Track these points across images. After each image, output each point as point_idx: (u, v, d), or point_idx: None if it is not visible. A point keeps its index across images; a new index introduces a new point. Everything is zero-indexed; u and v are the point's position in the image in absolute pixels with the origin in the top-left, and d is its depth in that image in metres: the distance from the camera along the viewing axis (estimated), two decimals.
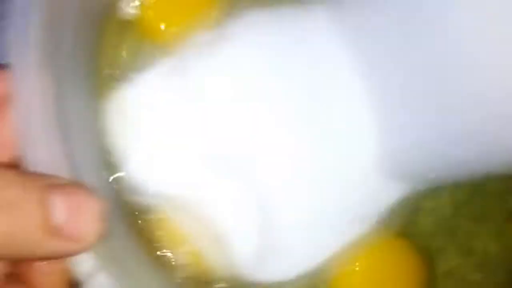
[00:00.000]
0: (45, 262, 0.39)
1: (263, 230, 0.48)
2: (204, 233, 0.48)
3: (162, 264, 0.49)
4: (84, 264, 0.37)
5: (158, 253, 0.49)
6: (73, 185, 0.37)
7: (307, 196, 0.48)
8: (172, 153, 0.48)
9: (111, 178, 0.48)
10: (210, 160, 0.48)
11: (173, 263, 0.49)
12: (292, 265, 0.48)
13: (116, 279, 0.38)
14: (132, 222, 0.49)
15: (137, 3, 0.50)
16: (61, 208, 0.35)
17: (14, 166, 0.38)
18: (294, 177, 0.48)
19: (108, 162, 0.49)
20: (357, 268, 0.49)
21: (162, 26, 0.50)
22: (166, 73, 0.49)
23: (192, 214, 0.48)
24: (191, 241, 0.49)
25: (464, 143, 0.41)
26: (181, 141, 0.48)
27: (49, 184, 0.35)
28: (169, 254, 0.49)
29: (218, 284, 0.49)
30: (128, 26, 0.51)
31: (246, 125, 0.47)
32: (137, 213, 0.49)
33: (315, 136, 0.47)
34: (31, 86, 0.38)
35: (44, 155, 0.38)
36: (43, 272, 0.39)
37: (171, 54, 0.49)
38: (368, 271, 0.49)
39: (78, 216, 0.35)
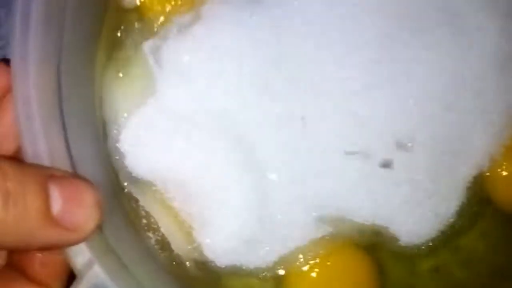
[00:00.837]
0: (43, 253, 0.40)
1: (256, 214, 0.49)
2: (198, 213, 0.49)
3: (156, 251, 0.50)
4: (80, 256, 0.38)
5: (151, 235, 0.50)
6: (71, 177, 0.38)
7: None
8: (170, 129, 0.49)
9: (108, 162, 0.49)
10: (211, 137, 0.49)
11: (164, 246, 0.50)
12: (272, 251, 0.50)
13: (111, 269, 0.39)
14: (127, 210, 0.49)
15: None
16: (59, 198, 0.36)
17: (16, 158, 0.39)
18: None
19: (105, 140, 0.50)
20: (315, 267, 0.50)
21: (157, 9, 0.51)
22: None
23: (189, 195, 0.49)
24: (184, 222, 0.50)
25: None
26: (180, 116, 0.49)
27: (48, 175, 0.36)
28: (160, 237, 0.50)
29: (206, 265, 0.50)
30: (125, 13, 0.51)
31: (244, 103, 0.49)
32: (130, 192, 0.50)
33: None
34: (31, 78, 0.38)
35: (43, 147, 0.38)
36: (41, 263, 0.40)
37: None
38: (324, 271, 0.50)
39: (76, 206, 0.36)
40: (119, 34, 0.51)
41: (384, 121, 0.50)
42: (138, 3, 0.51)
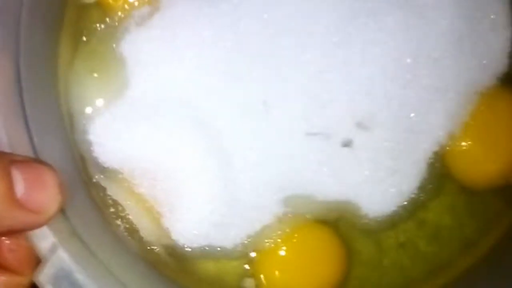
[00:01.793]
0: (11, 240, 0.41)
1: (223, 197, 0.50)
2: (166, 199, 0.50)
3: (122, 235, 0.51)
4: (44, 241, 0.39)
5: (119, 222, 0.51)
6: (32, 161, 0.39)
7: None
8: (136, 118, 0.51)
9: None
10: (175, 124, 0.50)
11: (133, 233, 0.51)
12: (240, 233, 0.51)
13: (76, 254, 0.40)
14: (95, 199, 0.50)
15: None
16: (22, 182, 0.37)
17: None
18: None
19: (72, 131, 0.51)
20: (283, 245, 0.52)
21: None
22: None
23: (156, 182, 0.50)
24: (152, 208, 0.51)
25: None
26: (145, 105, 0.51)
27: (10, 160, 0.37)
28: (128, 225, 0.51)
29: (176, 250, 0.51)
30: (86, 8, 0.53)
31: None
32: (98, 181, 0.51)
33: None
34: None
35: (3, 136, 0.39)
36: (9, 250, 0.41)
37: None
38: (292, 249, 0.52)
39: (39, 188, 0.38)
40: (80, 29, 0.52)
41: (344, 102, 0.51)
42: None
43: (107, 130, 0.51)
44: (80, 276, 0.39)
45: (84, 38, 0.52)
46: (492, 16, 0.53)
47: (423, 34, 0.52)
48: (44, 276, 0.38)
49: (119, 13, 0.52)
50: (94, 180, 0.51)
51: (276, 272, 0.52)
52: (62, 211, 0.39)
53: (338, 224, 0.53)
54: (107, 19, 0.52)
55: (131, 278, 0.45)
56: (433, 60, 0.52)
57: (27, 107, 0.42)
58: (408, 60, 0.52)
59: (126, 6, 0.52)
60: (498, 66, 0.53)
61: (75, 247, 0.41)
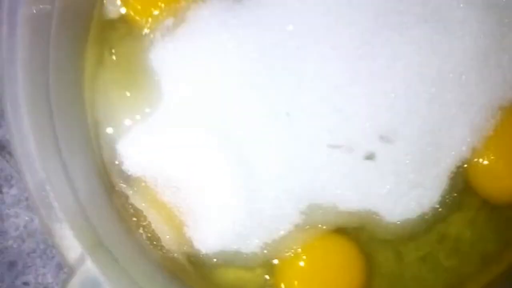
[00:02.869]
0: None
1: (245, 207, 0.51)
2: (188, 208, 0.51)
3: (144, 244, 0.51)
4: (72, 251, 0.39)
5: (141, 231, 0.51)
6: None
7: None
8: (164, 125, 0.51)
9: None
10: (199, 135, 0.51)
11: (155, 241, 0.51)
12: (262, 242, 0.51)
13: (102, 263, 0.40)
14: (118, 208, 0.51)
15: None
16: None
17: None
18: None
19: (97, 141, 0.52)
20: (303, 256, 0.52)
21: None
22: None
23: (179, 191, 0.51)
24: (174, 217, 0.51)
25: None
26: (171, 117, 0.51)
27: None
28: (150, 234, 0.52)
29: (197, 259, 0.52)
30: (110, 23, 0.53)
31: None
32: (121, 190, 0.52)
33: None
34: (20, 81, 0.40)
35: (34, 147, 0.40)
36: None
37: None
38: (312, 260, 0.52)
39: None
40: (106, 43, 0.53)
41: (367, 115, 0.51)
42: (122, 12, 0.53)
43: (131, 139, 0.52)
44: (106, 286, 0.40)
45: (111, 51, 0.53)
46: None
47: (448, 48, 0.52)
48: (71, 286, 0.39)
49: (144, 26, 0.53)
50: (117, 189, 0.52)
51: (296, 282, 0.52)
52: (88, 221, 0.40)
53: (358, 235, 0.53)
54: (133, 33, 0.53)
55: (153, 287, 0.45)
56: (458, 74, 0.52)
57: (55, 116, 0.42)
58: (433, 75, 0.52)
59: (150, 19, 0.52)
60: None
61: (101, 257, 0.41)
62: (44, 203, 0.41)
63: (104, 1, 0.53)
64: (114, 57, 0.53)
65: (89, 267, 0.39)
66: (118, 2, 0.53)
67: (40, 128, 0.41)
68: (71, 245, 0.40)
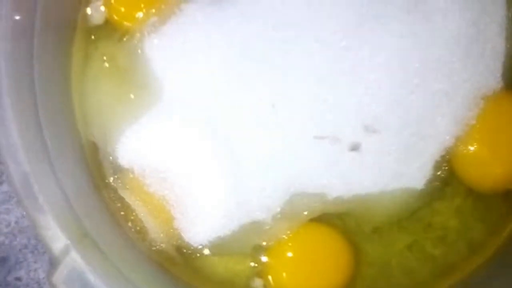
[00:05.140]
0: None
1: (233, 198, 0.51)
2: (176, 200, 0.52)
3: (133, 236, 0.52)
4: (57, 242, 0.40)
5: (129, 224, 0.52)
6: None
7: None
8: (151, 117, 0.52)
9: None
10: (186, 127, 0.52)
11: (143, 234, 0.52)
12: (250, 232, 0.52)
13: (88, 255, 0.41)
14: (107, 201, 0.52)
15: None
16: None
17: None
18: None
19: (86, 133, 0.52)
20: (290, 245, 0.52)
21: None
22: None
23: (167, 183, 0.52)
24: (163, 209, 0.52)
25: None
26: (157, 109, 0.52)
27: None
28: (139, 226, 0.52)
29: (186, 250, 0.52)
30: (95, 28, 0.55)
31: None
32: (109, 182, 0.52)
33: None
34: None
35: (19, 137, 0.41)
36: None
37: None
38: (298, 249, 0.53)
39: None
40: (92, 47, 0.54)
41: (352, 106, 0.52)
42: (106, 16, 0.54)
43: (119, 131, 0.52)
44: (92, 277, 0.40)
45: (97, 50, 0.54)
46: (499, 21, 0.53)
47: (430, 38, 0.52)
48: (57, 277, 0.39)
49: (129, 27, 0.54)
50: (106, 181, 0.52)
51: (284, 273, 0.53)
52: (74, 213, 0.40)
53: (345, 225, 0.54)
54: (118, 34, 0.54)
55: (141, 279, 0.46)
56: (441, 64, 0.52)
57: (40, 107, 0.43)
58: (416, 65, 0.52)
59: (135, 20, 0.53)
60: (505, 70, 0.53)
61: (87, 249, 0.42)
62: (28, 194, 0.41)
63: (88, 9, 0.54)
64: (100, 56, 0.54)
65: (74, 258, 0.40)
66: (102, 8, 0.54)
67: (25, 119, 0.41)
68: (56, 236, 0.40)
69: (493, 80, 0.53)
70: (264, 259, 0.53)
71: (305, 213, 0.52)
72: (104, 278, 0.41)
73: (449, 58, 0.52)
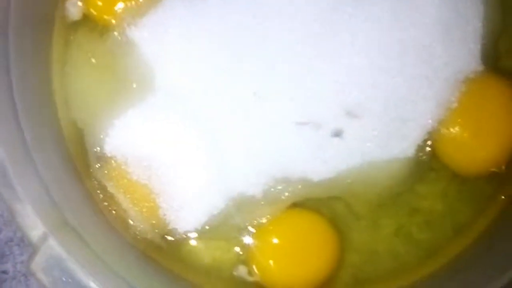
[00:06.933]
0: None
1: (217, 186, 0.51)
2: (160, 188, 0.52)
3: (116, 225, 0.52)
4: (34, 230, 0.40)
5: (112, 212, 0.52)
6: None
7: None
8: (133, 106, 0.52)
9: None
10: (169, 116, 0.52)
11: (127, 222, 0.52)
12: (234, 219, 0.52)
13: (67, 242, 0.41)
14: (86, 184, 0.52)
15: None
16: None
17: None
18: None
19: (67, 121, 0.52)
20: (275, 231, 0.53)
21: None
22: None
23: (151, 169, 0.52)
24: (147, 197, 0.52)
25: None
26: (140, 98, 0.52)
27: None
28: (123, 213, 0.52)
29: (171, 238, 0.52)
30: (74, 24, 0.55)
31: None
32: (92, 170, 0.52)
33: None
34: None
35: None
36: None
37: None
38: (283, 235, 0.53)
39: None
40: (69, 45, 0.55)
41: (333, 91, 0.52)
42: (84, 11, 0.54)
43: (101, 119, 0.52)
44: (71, 264, 0.40)
45: (73, 46, 0.55)
46: (478, 4, 0.53)
47: (410, 22, 0.52)
48: (35, 264, 0.39)
49: (108, 21, 0.54)
50: (91, 170, 0.52)
51: (269, 260, 0.53)
52: (53, 201, 0.40)
53: (331, 212, 0.54)
54: (98, 29, 0.54)
55: (123, 266, 0.46)
56: (421, 48, 0.52)
57: (16, 91, 0.43)
58: (396, 49, 0.52)
59: (113, 14, 0.53)
60: (486, 52, 0.53)
61: (67, 236, 0.42)
62: (6, 184, 0.41)
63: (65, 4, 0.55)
64: (81, 49, 0.54)
65: (52, 245, 0.40)
66: (79, 3, 0.55)
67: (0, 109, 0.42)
68: (34, 224, 0.40)
69: (474, 63, 0.53)
70: (248, 244, 0.53)
71: (288, 195, 0.52)
72: (85, 266, 0.41)
73: (429, 41, 0.52)
